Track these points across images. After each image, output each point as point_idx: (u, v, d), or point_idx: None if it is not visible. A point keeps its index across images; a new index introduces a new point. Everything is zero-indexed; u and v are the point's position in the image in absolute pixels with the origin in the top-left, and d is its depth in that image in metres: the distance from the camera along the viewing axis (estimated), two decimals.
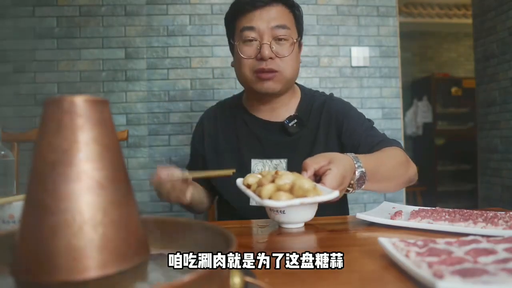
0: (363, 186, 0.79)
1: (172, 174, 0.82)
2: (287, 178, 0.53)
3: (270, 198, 0.48)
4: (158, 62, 2.04)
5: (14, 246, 0.34)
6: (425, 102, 4.90)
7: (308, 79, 2.10)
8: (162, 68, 2.04)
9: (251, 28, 0.97)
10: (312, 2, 2.12)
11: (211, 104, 1.25)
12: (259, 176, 0.61)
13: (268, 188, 0.50)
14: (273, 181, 0.54)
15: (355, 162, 0.77)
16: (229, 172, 0.81)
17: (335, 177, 0.69)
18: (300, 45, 1.06)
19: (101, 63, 2.02)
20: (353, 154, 0.79)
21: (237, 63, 1.03)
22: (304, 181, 0.52)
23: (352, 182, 0.76)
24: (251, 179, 0.61)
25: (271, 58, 0.96)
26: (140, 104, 2.03)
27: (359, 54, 2.13)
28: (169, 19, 2.05)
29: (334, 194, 0.50)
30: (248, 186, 0.59)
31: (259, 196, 0.50)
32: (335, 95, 1.15)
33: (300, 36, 1.05)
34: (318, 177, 0.72)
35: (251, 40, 0.97)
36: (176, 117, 2.04)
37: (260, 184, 0.55)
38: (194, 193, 0.97)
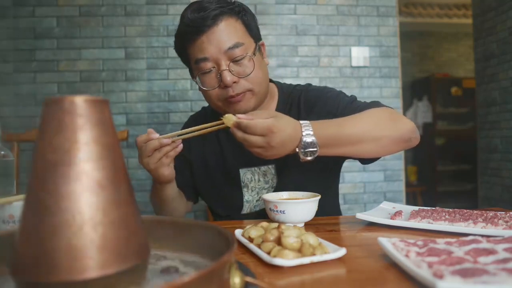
0: (316, 154, 0.77)
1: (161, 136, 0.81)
2: (293, 234, 0.55)
3: (275, 256, 0.51)
4: (158, 62, 2.04)
5: (14, 246, 0.34)
6: (425, 102, 4.91)
7: (308, 79, 2.10)
8: (162, 68, 2.04)
9: (205, 59, 0.90)
10: (312, 2, 2.12)
11: None
12: (260, 228, 0.62)
13: (277, 249, 0.54)
14: (278, 237, 0.56)
15: (303, 130, 0.76)
16: (221, 122, 0.78)
17: (260, 124, 0.71)
18: (261, 46, 0.99)
19: (101, 63, 2.02)
20: (306, 122, 0.77)
21: (203, 94, 0.98)
22: (309, 237, 0.55)
23: (297, 150, 0.76)
24: (253, 232, 0.62)
25: (235, 82, 0.91)
26: (140, 104, 2.03)
27: (359, 54, 2.13)
28: (169, 19, 2.05)
29: (341, 252, 0.53)
30: (250, 239, 0.61)
31: (267, 254, 0.54)
32: None
33: (257, 40, 0.97)
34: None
35: (209, 71, 0.91)
36: (176, 117, 2.04)
37: (264, 239, 0.57)
38: (173, 187, 0.96)
